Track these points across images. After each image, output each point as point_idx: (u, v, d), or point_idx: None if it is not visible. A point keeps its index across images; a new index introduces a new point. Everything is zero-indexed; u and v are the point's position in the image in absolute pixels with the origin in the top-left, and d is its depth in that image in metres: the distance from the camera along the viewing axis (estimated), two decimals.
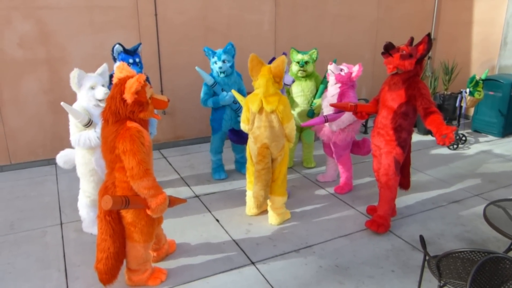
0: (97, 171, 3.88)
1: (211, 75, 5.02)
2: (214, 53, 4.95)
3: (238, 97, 4.68)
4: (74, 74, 3.68)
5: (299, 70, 5.29)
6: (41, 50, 5.62)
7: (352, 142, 4.95)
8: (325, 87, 5.34)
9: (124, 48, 4.60)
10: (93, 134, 3.67)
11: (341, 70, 4.72)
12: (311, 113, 5.38)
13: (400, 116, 3.84)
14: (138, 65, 4.62)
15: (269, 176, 4.09)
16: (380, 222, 4.08)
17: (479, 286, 2.31)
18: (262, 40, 6.96)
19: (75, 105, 3.77)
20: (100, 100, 3.71)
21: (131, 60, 4.57)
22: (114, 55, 4.59)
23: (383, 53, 3.79)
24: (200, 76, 4.97)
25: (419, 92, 3.71)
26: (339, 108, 4.32)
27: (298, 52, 5.36)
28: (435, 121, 3.57)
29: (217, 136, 5.28)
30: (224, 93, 4.96)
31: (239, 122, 5.24)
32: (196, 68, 4.93)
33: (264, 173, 4.05)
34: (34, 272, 3.55)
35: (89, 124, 3.67)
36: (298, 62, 5.28)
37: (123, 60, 4.54)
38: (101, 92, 3.69)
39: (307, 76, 5.36)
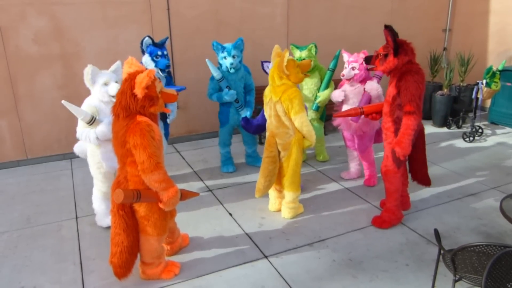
0: (102, 164, 3.93)
1: (219, 69, 5.01)
2: (223, 48, 4.91)
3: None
4: (88, 71, 3.72)
5: None
6: (55, 45, 5.68)
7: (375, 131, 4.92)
8: (329, 80, 5.28)
9: (153, 41, 4.65)
10: (93, 134, 3.71)
11: (353, 69, 4.66)
12: (316, 106, 5.33)
13: (396, 108, 3.80)
14: (166, 57, 4.67)
15: (272, 166, 4.09)
16: (385, 217, 4.06)
17: (495, 280, 2.28)
18: (274, 33, 6.92)
19: (87, 101, 3.84)
20: (113, 96, 3.74)
21: (159, 53, 4.63)
22: (143, 47, 4.67)
23: (366, 66, 3.99)
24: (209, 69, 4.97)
25: (405, 84, 3.63)
26: (346, 117, 4.38)
27: (298, 48, 5.28)
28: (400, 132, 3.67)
29: (224, 129, 5.34)
30: (226, 90, 4.98)
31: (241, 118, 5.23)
32: (207, 60, 4.93)
33: (268, 161, 4.07)
34: (50, 265, 3.61)
35: (92, 121, 3.70)
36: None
37: (151, 52, 4.63)
38: (114, 88, 3.72)
39: (309, 71, 5.28)
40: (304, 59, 5.13)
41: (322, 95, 5.25)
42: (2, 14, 5.34)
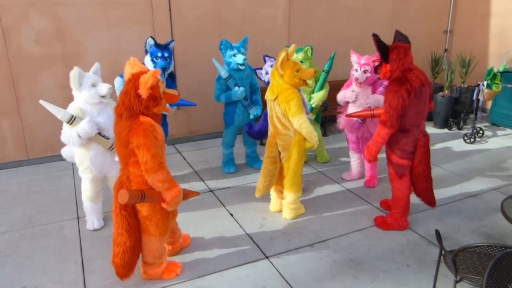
0: (91, 169, 3.93)
1: (226, 68, 5.01)
2: (232, 47, 4.93)
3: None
4: (75, 73, 3.66)
5: None
6: (57, 46, 5.69)
7: None
8: (324, 82, 5.27)
9: (155, 42, 4.68)
10: (74, 133, 3.66)
11: (365, 72, 4.55)
12: (310, 108, 5.32)
13: None
14: (166, 60, 4.67)
15: (272, 166, 4.10)
16: (387, 219, 4.06)
17: (496, 281, 2.28)
18: (276, 34, 6.93)
19: (71, 105, 3.78)
20: (103, 96, 3.74)
21: (159, 54, 4.64)
22: (146, 47, 4.70)
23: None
24: (215, 69, 4.97)
25: (386, 93, 3.64)
26: (357, 117, 4.39)
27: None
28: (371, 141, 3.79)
29: (229, 130, 5.32)
30: (236, 88, 4.96)
31: (250, 118, 5.25)
32: (213, 60, 4.94)
33: (268, 162, 4.09)
34: (52, 265, 3.61)
35: (71, 121, 3.66)
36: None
37: (152, 53, 4.66)
38: (105, 88, 3.71)
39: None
40: (301, 61, 5.08)
41: (316, 97, 5.25)
42: (4, 14, 5.35)
